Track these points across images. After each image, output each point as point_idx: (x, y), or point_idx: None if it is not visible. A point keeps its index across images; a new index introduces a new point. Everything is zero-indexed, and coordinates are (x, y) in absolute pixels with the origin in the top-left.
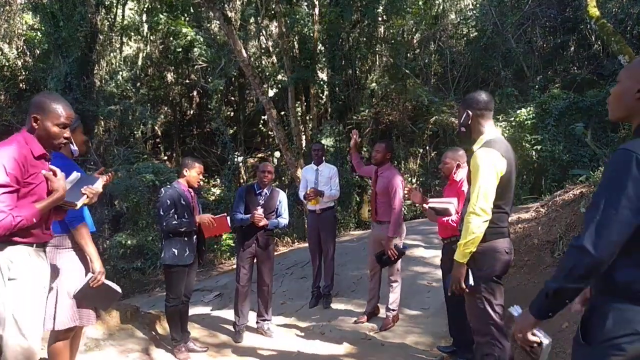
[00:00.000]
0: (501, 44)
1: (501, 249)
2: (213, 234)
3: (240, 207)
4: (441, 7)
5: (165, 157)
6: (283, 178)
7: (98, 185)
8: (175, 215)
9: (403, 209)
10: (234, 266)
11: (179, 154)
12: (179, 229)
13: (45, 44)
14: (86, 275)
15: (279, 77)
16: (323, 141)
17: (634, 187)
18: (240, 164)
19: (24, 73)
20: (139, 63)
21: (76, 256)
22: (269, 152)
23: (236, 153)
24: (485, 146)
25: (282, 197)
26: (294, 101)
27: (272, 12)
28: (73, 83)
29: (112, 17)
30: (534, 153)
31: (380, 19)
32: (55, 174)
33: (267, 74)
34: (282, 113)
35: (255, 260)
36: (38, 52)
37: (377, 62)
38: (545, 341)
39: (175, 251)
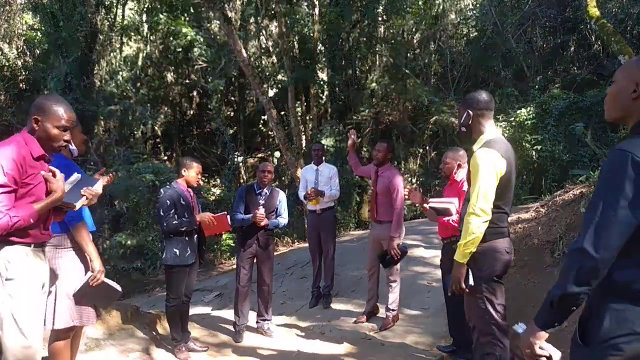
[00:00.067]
0: (501, 44)
1: (501, 249)
2: (213, 233)
3: (240, 207)
4: (441, 7)
5: (165, 157)
6: (283, 178)
7: (98, 187)
8: (176, 215)
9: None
10: (234, 266)
11: (179, 154)
12: (180, 229)
13: (45, 44)
14: (86, 274)
15: (279, 77)
16: (323, 141)
17: (631, 187)
18: (241, 164)
19: (24, 73)
20: (139, 63)
21: (76, 256)
22: (269, 152)
23: (236, 153)
24: (485, 146)
25: (281, 197)
26: (294, 101)
27: (272, 12)
28: (73, 83)
29: (112, 17)
30: (534, 153)
31: (380, 19)
32: (54, 175)
33: (267, 74)
34: (282, 113)
35: (255, 260)
36: (38, 52)
37: (377, 62)
38: (556, 355)
39: (177, 251)
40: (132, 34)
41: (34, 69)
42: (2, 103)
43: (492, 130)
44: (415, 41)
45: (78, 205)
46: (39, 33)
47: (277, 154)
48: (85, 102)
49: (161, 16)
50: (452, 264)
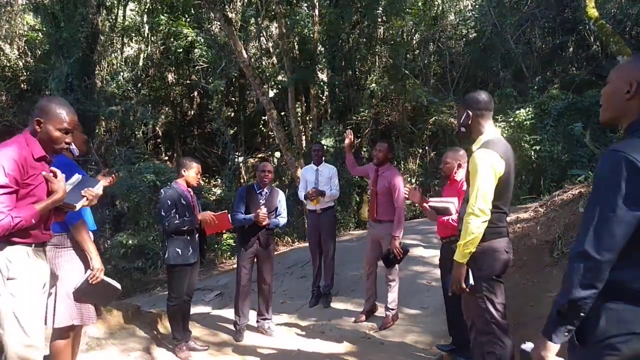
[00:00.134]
0: (500, 44)
1: (500, 249)
2: (214, 231)
3: (241, 208)
4: (440, 8)
5: (166, 158)
6: (283, 178)
7: (98, 188)
8: (177, 215)
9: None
10: (235, 266)
11: (180, 154)
12: (181, 228)
13: (46, 45)
14: (85, 272)
15: (279, 77)
16: (323, 141)
17: (627, 186)
18: (241, 164)
19: (25, 74)
20: (140, 64)
21: (76, 255)
22: (270, 153)
23: (237, 153)
24: (484, 147)
25: (281, 197)
26: (294, 102)
27: (273, 13)
28: (74, 84)
29: (113, 17)
30: (532, 153)
31: (379, 19)
32: (55, 175)
33: (268, 74)
34: (283, 113)
35: (255, 260)
36: (39, 52)
37: (377, 63)
38: None
39: (179, 250)
40: (133, 34)
41: (35, 70)
42: (4, 103)
43: (491, 130)
44: (414, 42)
45: (78, 206)
46: (40, 34)
47: (278, 154)
48: (87, 103)
49: (162, 17)
50: (452, 264)
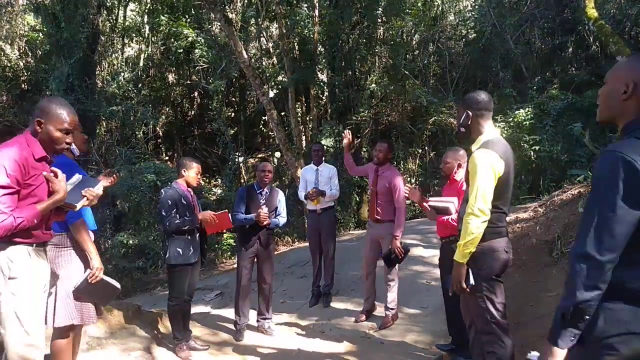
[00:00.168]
0: (500, 45)
1: (500, 249)
2: (215, 231)
3: (241, 208)
4: (440, 9)
5: (167, 158)
6: (283, 178)
7: (99, 188)
8: (177, 215)
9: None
10: (235, 265)
11: (180, 154)
12: (182, 228)
13: (47, 45)
14: (85, 272)
15: (280, 78)
16: (323, 142)
17: (625, 186)
18: (241, 164)
19: (25, 74)
20: (141, 64)
21: (76, 255)
22: (270, 153)
23: (237, 153)
24: (484, 147)
25: (281, 197)
26: (294, 102)
27: (273, 13)
28: (75, 84)
29: (114, 18)
30: (532, 153)
31: (379, 20)
32: (56, 176)
33: (268, 75)
34: (283, 114)
35: (255, 260)
36: (40, 53)
37: (377, 63)
38: None
39: (180, 250)
40: (134, 35)
41: (35, 70)
42: (4, 104)
43: (490, 130)
44: (414, 42)
45: (79, 205)
46: (40, 34)
47: (278, 154)
48: (87, 103)
49: (162, 17)
50: (451, 264)
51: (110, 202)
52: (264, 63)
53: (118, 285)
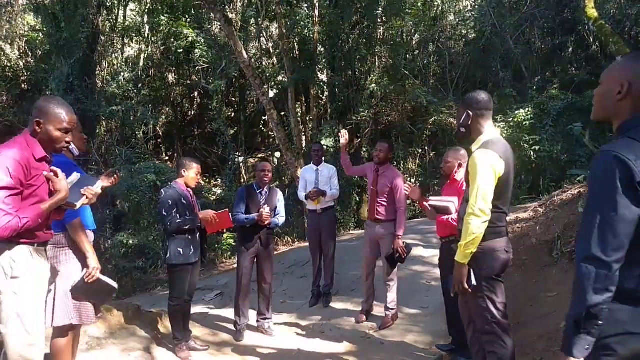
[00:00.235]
0: (500, 45)
1: (500, 248)
2: (216, 230)
3: (241, 208)
4: (440, 9)
5: (167, 158)
6: (283, 178)
7: (97, 186)
8: (177, 215)
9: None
10: (235, 265)
11: (180, 154)
12: (184, 227)
13: (47, 45)
14: (82, 271)
15: (280, 78)
16: (323, 142)
17: (623, 185)
18: (241, 164)
19: (25, 74)
20: (141, 64)
21: (75, 254)
22: (270, 153)
23: (237, 153)
24: (484, 147)
25: (280, 197)
26: (294, 102)
27: (273, 13)
28: (75, 84)
29: (114, 18)
30: (532, 153)
31: (379, 20)
32: (56, 175)
33: (268, 75)
34: (283, 114)
35: (255, 259)
36: (40, 53)
37: (377, 63)
38: None
39: (180, 250)
40: (134, 35)
41: (35, 70)
42: (4, 103)
43: (491, 130)
44: (414, 42)
45: (79, 204)
46: (40, 34)
47: (278, 154)
48: (87, 103)
49: (162, 17)
50: (451, 264)
51: (110, 202)
52: (264, 63)
53: (115, 285)
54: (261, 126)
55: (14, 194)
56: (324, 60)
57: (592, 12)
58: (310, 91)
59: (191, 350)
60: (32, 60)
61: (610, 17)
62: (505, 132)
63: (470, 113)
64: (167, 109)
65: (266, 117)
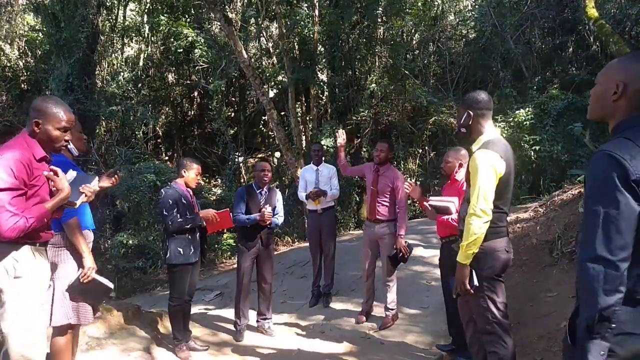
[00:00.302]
0: (500, 45)
1: (501, 248)
2: (216, 229)
3: (242, 208)
4: (440, 9)
5: (167, 158)
6: (283, 178)
7: (95, 184)
8: (178, 215)
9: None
10: (235, 265)
11: (180, 154)
12: (185, 227)
13: (46, 45)
14: (78, 271)
15: (280, 78)
16: (323, 142)
17: (622, 183)
18: (241, 164)
19: (25, 74)
20: (140, 64)
21: (73, 254)
22: (270, 153)
23: (237, 153)
24: (484, 147)
25: (279, 196)
26: (294, 102)
27: (273, 13)
28: (74, 84)
29: (113, 18)
30: (532, 153)
31: (379, 20)
32: (56, 174)
33: (268, 74)
34: (283, 114)
35: (256, 259)
36: (39, 52)
37: (377, 63)
38: None
39: (180, 250)
40: (133, 34)
41: (35, 70)
42: (4, 103)
43: (491, 130)
44: (414, 42)
45: (78, 202)
46: (40, 34)
47: (278, 154)
48: (87, 103)
49: (162, 17)
50: (451, 264)
51: (110, 202)
52: (264, 63)
53: (111, 285)
54: (261, 126)
55: (19, 194)
56: (324, 60)
57: (593, 12)
58: (310, 91)
59: (191, 351)
60: (31, 60)
61: (610, 16)
62: (506, 132)
63: (471, 113)
64: (167, 109)
65: (266, 117)
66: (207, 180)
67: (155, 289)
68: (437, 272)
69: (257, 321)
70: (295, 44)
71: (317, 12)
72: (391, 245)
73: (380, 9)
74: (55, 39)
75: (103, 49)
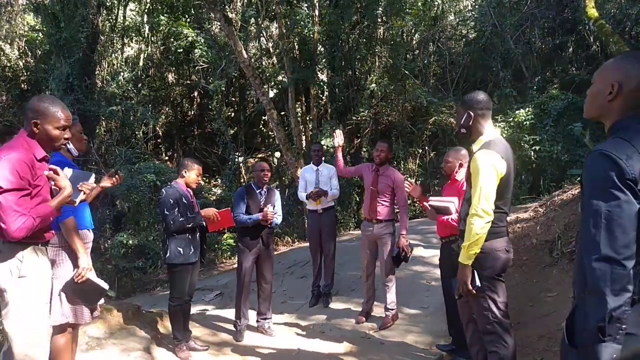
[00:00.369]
0: (500, 45)
1: (501, 248)
2: (217, 228)
3: (242, 208)
4: (440, 9)
5: (167, 158)
6: (283, 178)
7: (92, 180)
8: (179, 214)
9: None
10: (235, 265)
11: (180, 154)
12: (186, 226)
13: (46, 45)
14: (74, 270)
15: (280, 78)
16: (323, 142)
17: (620, 182)
18: (241, 164)
19: (25, 74)
20: (140, 64)
21: (71, 254)
22: (270, 153)
23: (237, 153)
24: (485, 148)
25: (277, 196)
26: (294, 102)
27: (273, 13)
28: (74, 84)
29: (113, 18)
30: (532, 153)
31: (379, 20)
32: (57, 173)
33: (268, 74)
34: (283, 114)
35: (256, 259)
36: (40, 52)
37: (377, 63)
38: None
39: (180, 249)
40: (133, 34)
41: (35, 70)
42: (4, 103)
43: (491, 130)
44: (414, 42)
45: (77, 200)
46: (40, 34)
47: (278, 154)
48: (87, 103)
49: (162, 17)
50: (451, 264)
51: (110, 202)
52: (264, 63)
53: (106, 286)
54: (261, 126)
55: (24, 194)
56: (324, 60)
57: (593, 12)
58: (310, 91)
59: (191, 351)
60: (31, 60)
61: (610, 16)
62: (506, 132)
63: (471, 113)
64: (167, 109)
65: (266, 117)
66: (207, 180)
67: (155, 289)
68: (437, 272)
69: (257, 321)
70: (295, 44)
71: (317, 12)
72: (391, 245)
73: (380, 9)
74: (55, 39)
75: (103, 49)
